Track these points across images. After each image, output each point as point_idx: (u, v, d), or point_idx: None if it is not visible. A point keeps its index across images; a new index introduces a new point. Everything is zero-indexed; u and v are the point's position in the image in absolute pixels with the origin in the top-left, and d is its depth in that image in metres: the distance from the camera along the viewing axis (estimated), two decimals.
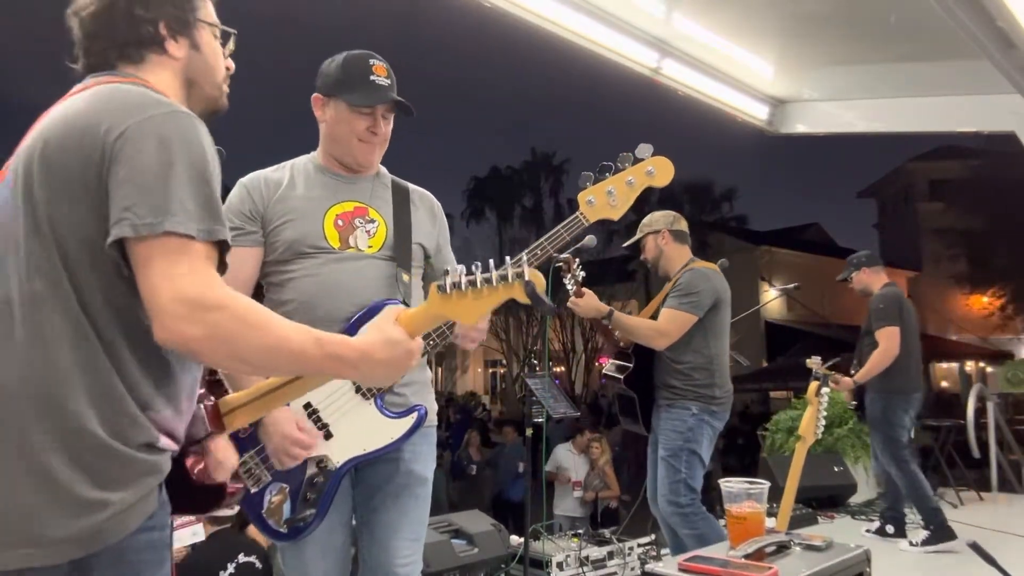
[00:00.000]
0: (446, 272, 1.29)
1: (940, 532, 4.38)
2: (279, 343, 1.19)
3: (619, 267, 22.79)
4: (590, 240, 3.37)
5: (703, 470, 3.37)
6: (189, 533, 4.00)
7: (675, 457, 3.33)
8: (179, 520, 3.78)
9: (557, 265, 3.21)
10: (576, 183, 2.17)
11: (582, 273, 3.26)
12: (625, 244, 3.93)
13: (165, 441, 1.24)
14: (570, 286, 3.25)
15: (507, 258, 1.31)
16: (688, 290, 3.44)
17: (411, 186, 2.25)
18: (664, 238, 3.66)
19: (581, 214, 2.11)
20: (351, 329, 1.94)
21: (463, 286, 1.26)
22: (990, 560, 1.77)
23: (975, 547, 1.76)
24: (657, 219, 3.72)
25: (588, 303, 3.32)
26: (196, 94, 1.40)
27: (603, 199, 2.12)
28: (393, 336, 1.28)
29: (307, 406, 1.98)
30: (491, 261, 1.29)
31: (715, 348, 3.46)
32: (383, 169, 2.24)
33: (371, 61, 2.05)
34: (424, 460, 2.10)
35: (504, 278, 1.25)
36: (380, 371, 1.29)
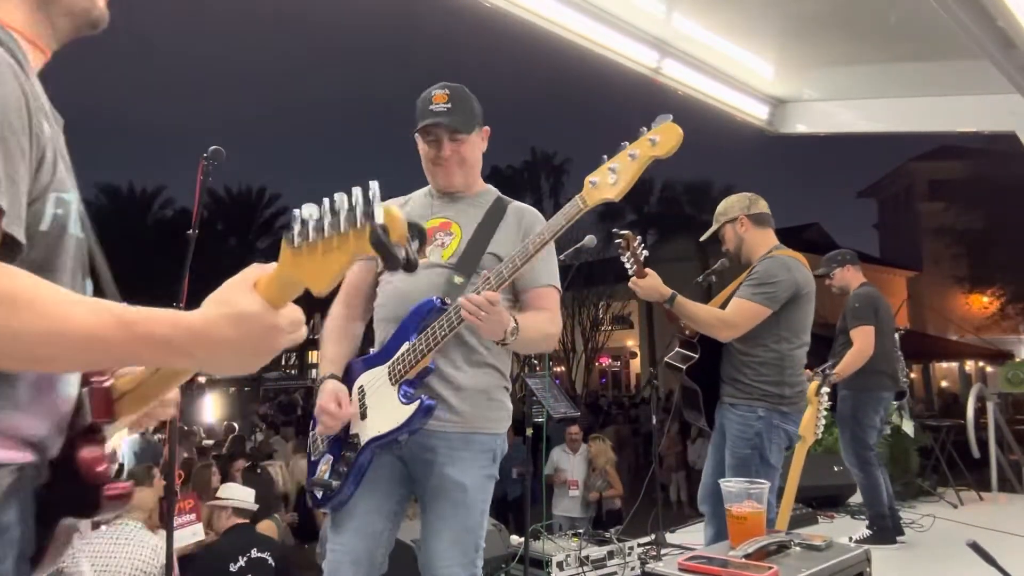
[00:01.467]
0: (295, 217, 0.96)
1: (880, 535, 4.45)
2: (60, 327, 0.90)
3: (619, 267, 22.56)
4: (590, 240, 3.36)
5: (777, 473, 3.08)
6: (189, 533, 4.00)
7: (743, 467, 3.01)
8: (179, 520, 3.77)
9: (616, 241, 3.01)
10: (576, 183, 2.14)
11: (644, 252, 2.99)
12: (702, 238, 3.56)
13: None
14: (630, 266, 2.97)
15: (357, 189, 0.93)
16: (763, 280, 3.13)
17: (514, 203, 2.32)
18: (743, 224, 3.34)
19: (580, 197, 2.03)
20: (399, 330, 2.10)
21: (310, 235, 0.93)
22: (990, 560, 1.76)
23: (975, 547, 1.76)
24: (732, 204, 3.39)
25: (650, 284, 3.00)
26: (57, 10, 1.15)
27: (605, 178, 2.01)
28: (244, 308, 0.94)
29: (360, 388, 2.14)
30: (343, 196, 0.92)
31: (788, 345, 3.13)
32: (489, 188, 2.34)
33: (433, 92, 2.19)
34: (460, 465, 2.11)
35: (352, 220, 0.91)
36: (227, 354, 0.96)
